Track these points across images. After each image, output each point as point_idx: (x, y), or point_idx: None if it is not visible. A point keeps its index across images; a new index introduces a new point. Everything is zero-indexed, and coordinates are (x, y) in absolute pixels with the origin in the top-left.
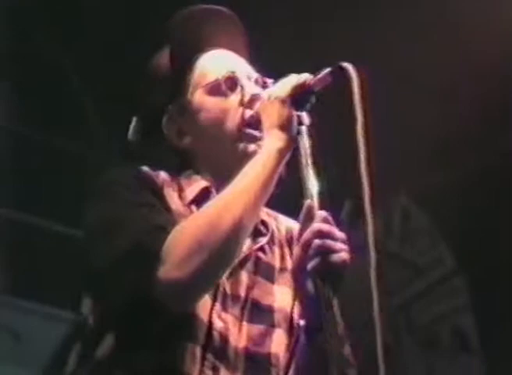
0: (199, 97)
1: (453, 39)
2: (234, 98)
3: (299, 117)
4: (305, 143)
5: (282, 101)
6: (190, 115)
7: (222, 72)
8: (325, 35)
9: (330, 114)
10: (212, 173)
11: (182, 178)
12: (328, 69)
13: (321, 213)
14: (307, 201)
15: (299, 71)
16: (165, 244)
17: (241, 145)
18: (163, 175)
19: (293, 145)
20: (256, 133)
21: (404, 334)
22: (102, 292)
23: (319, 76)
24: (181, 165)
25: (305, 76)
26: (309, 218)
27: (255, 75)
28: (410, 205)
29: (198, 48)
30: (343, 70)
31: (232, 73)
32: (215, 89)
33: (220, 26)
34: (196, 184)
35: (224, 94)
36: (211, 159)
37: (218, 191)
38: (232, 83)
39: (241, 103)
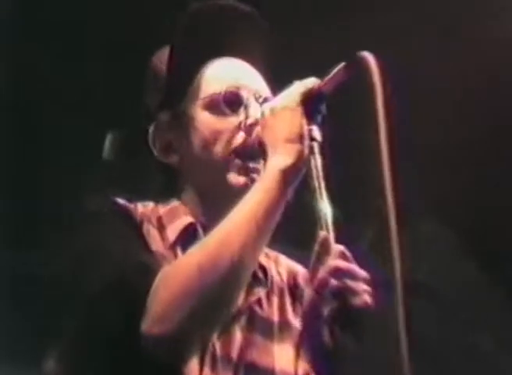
0: (194, 110)
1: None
2: (233, 120)
3: (310, 132)
4: (317, 162)
5: (292, 111)
6: (182, 129)
7: (225, 85)
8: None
9: (340, 119)
10: (200, 201)
11: (163, 210)
12: (340, 65)
13: (337, 247)
14: (321, 233)
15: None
16: (151, 290)
17: (230, 176)
18: (141, 208)
19: (303, 165)
20: (250, 163)
21: None
22: (80, 334)
23: (330, 75)
24: (165, 185)
25: (312, 81)
26: (323, 253)
27: (266, 94)
28: (439, 227)
29: (204, 54)
30: (360, 62)
31: (237, 88)
32: (213, 104)
33: (236, 28)
34: (178, 221)
35: (222, 113)
36: (198, 186)
37: (205, 226)
38: (233, 100)
39: (240, 127)
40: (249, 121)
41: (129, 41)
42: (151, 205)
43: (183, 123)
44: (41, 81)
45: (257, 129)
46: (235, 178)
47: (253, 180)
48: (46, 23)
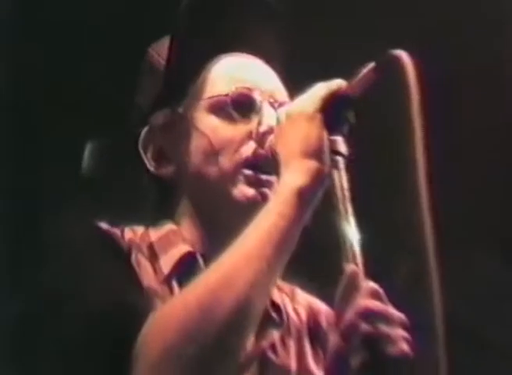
0: (197, 113)
1: None
2: (243, 126)
3: (333, 143)
4: (343, 180)
5: (310, 119)
6: (180, 134)
7: (234, 85)
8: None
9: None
10: (200, 223)
11: (155, 236)
12: (371, 65)
13: (368, 284)
14: (349, 266)
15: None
16: (140, 337)
17: (236, 190)
18: (129, 234)
19: (323, 184)
20: (262, 176)
21: None
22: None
23: (358, 76)
24: (158, 203)
25: (337, 83)
26: (351, 290)
27: (282, 97)
28: (487, 260)
29: (211, 47)
30: (393, 61)
31: (248, 89)
32: (219, 106)
33: (250, 18)
34: (174, 249)
35: (230, 117)
36: (198, 204)
37: (207, 255)
38: (244, 103)
39: (251, 135)
40: (262, 129)
41: (130, 39)
42: (140, 229)
43: (181, 127)
44: (41, 81)
45: (271, 138)
46: (242, 190)
47: (264, 196)
48: (46, 23)
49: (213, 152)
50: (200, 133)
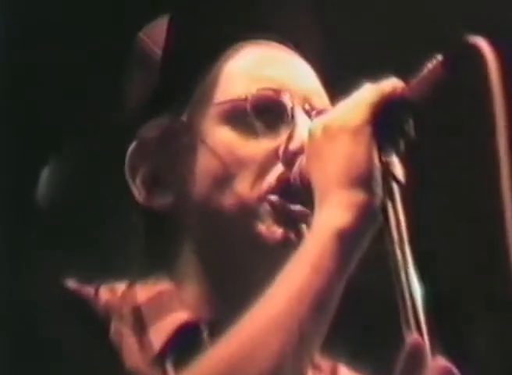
0: (205, 122)
1: None
2: (268, 143)
3: (387, 166)
4: (399, 215)
5: (355, 133)
6: (180, 152)
7: (256, 85)
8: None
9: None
10: (207, 277)
11: (143, 296)
12: (437, 58)
13: (438, 362)
14: (410, 335)
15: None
16: None
17: (260, 228)
18: (106, 294)
19: (375, 220)
20: (293, 206)
21: None
22: None
23: (421, 74)
24: (148, 248)
25: (392, 83)
26: (415, 370)
27: (322, 103)
28: None
29: (224, 33)
30: (468, 51)
31: (275, 91)
32: (236, 114)
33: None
34: (169, 317)
35: (250, 129)
36: (206, 247)
37: (214, 324)
38: (270, 110)
39: (278, 154)
40: (293, 146)
41: (112, 19)
42: (122, 286)
43: (184, 142)
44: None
45: (302, 159)
46: (269, 228)
47: (298, 235)
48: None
49: (228, 177)
50: (210, 150)
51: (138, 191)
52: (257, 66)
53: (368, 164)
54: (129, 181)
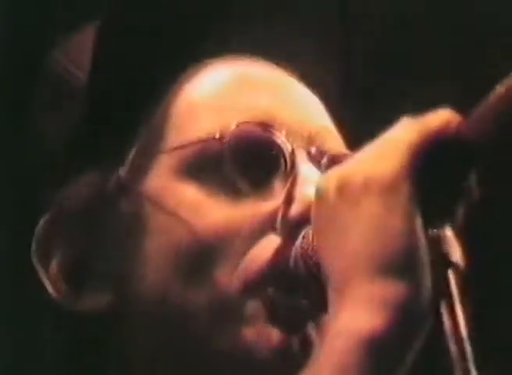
0: (156, 178)
1: None
2: (256, 206)
3: (436, 243)
4: (458, 317)
5: (386, 193)
6: (117, 226)
7: (235, 116)
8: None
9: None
10: None
11: None
12: (497, 88)
13: None
14: None
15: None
16: None
17: (247, 332)
18: None
19: (422, 324)
20: (296, 302)
21: None
22: None
23: (480, 106)
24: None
25: (443, 116)
26: None
27: (334, 146)
28: None
29: (185, 47)
30: None
31: (265, 127)
32: (205, 163)
33: None
34: None
35: (229, 186)
36: (163, 370)
37: None
38: (257, 155)
39: (272, 222)
40: (294, 211)
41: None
42: None
43: (121, 208)
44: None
45: (309, 232)
46: (258, 333)
47: (305, 342)
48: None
49: (197, 259)
50: (168, 219)
51: (54, 288)
52: (234, 91)
53: (407, 240)
54: (41, 272)
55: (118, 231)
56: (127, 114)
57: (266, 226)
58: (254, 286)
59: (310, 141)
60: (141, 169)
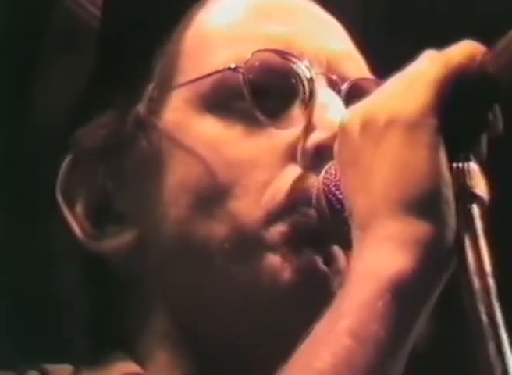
0: (174, 113)
1: None
2: (276, 136)
3: (460, 178)
4: (481, 252)
5: (410, 129)
6: (137, 163)
7: (252, 45)
8: None
9: None
10: (189, 354)
11: None
12: None
13: None
14: None
15: None
16: None
17: (273, 258)
18: None
19: (446, 264)
20: (319, 241)
21: None
22: None
23: (504, 41)
24: (98, 312)
25: (468, 48)
26: None
27: (358, 73)
28: None
29: None
30: None
31: (283, 55)
32: (222, 96)
33: None
34: None
35: (247, 117)
36: (185, 308)
37: None
38: (275, 84)
39: (292, 152)
40: (314, 140)
41: None
42: (59, 373)
43: (140, 146)
44: None
45: (333, 167)
46: (281, 259)
47: (331, 266)
48: None
49: (217, 192)
50: (187, 153)
51: (79, 228)
52: (249, 20)
53: (433, 176)
54: (65, 213)
55: (138, 169)
56: (142, 49)
57: (286, 156)
58: (277, 216)
59: (329, 67)
60: (158, 104)
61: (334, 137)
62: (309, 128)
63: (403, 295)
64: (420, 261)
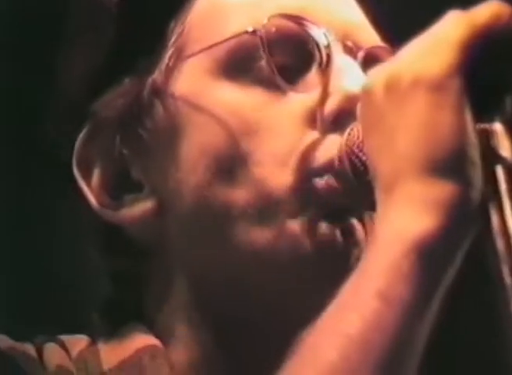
0: (192, 79)
1: None
2: (295, 100)
3: (486, 139)
4: (506, 215)
5: (435, 90)
6: (155, 131)
7: (267, 12)
8: None
9: None
10: (210, 326)
11: (109, 358)
12: None
13: None
14: None
15: None
16: None
17: (294, 226)
18: (55, 354)
19: (471, 226)
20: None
21: None
22: None
23: None
24: (118, 283)
25: (494, 7)
26: None
27: (371, 41)
28: None
29: None
30: None
31: (299, 21)
32: (240, 60)
33: None
34: None
35: (267, 82)
36: (207, 278)
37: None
38: (292, 49)
39: (312, 117)
40: (332, 105)
41: None
42: (77, 343)
43: (158, 113)
44: None
45: (356, 128)
46: (302, 225)
47: (350, 234)
48: None
49: (238, 157)
50: (207, 119)
51: (97, 199)
52: None
53: (458, 137)
54: (82, 184)
55: (155, 136)
56: (158, 18)
57: (306, 122)
58: (301, 182)
59: (345, 34)
60: (175, 72)
61: (352, 101)
62: (326, 94)
63: (428, 256)
64: (444, 222)
